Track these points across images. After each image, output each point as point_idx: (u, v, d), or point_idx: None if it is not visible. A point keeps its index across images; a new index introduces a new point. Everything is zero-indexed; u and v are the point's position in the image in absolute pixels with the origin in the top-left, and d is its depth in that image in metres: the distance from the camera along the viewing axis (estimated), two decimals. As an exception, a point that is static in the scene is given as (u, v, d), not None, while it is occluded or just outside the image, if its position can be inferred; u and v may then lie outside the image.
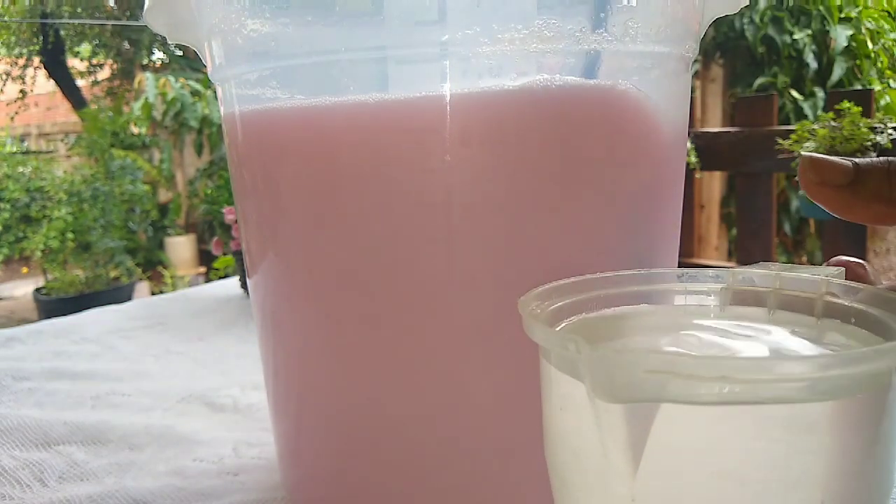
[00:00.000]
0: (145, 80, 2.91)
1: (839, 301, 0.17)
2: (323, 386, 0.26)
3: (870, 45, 2.01)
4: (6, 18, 3.21)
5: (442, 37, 0.21)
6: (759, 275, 0.18)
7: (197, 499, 0.31)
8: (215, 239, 0.77)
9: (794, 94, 2.03)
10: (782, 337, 0.16)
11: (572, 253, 0.23)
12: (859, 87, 1.93)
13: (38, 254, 2.48)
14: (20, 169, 2.76)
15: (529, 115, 0.22)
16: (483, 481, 0.25)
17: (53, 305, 2.34)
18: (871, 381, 0.13)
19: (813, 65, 2.01)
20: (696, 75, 2.19)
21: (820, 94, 2.03)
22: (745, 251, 1.46)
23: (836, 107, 1.24)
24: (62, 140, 3.74)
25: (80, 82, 3.61)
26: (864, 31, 2.01)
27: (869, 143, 1.19)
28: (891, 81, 2.03)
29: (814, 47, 2.02)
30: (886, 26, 2.05)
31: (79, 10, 3.38)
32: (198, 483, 0.33)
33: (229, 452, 0.36)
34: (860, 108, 1.21)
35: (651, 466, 0.13)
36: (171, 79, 2.91)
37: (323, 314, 0.25)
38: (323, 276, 0.24)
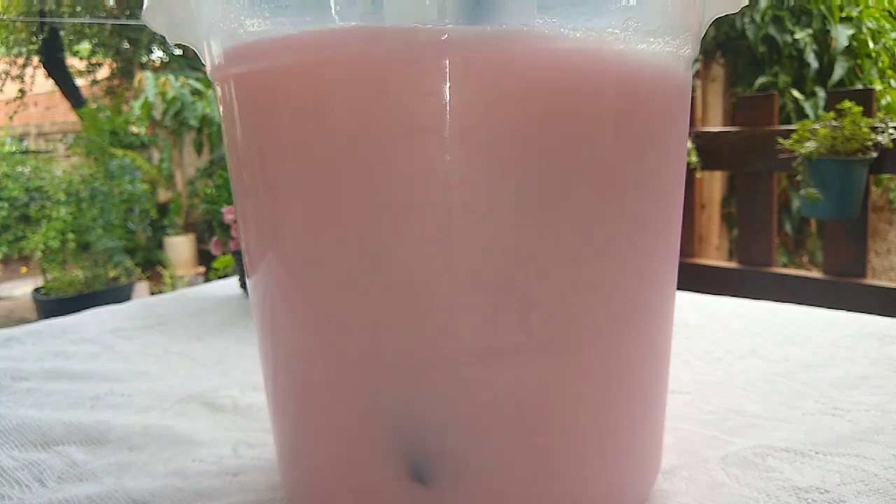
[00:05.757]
0: (145, 78, 2.91)
1: None
2: (323, 386, 0.26)
3: (871, 44, 2.01)
4: (5, 17, 3.21)
5: (442, 36, 0.21)
6: None
7: (196, 499, 0.31)
8: (214, 239, 0.76)
9: (795, 93, 2.03)
10: None
11: (573, 252, 0.23)
12: (860, 87, 1.92)
13: (38, 254, 2.47)
14: (19, 168, 2.76)
15: (530, 115, 0.22)
16: (484, 481, 0.24)
17: (52, 305, 2.33)
18: None
19: (814, 64, 2.01)
20: (696, 75, 2.19)
21: (821, 93, 2.03)
22: (745, 251, 1.46)
23: (837, 106, 1.24)
24: (61, 140, 3.74)
25: (79, 81, 3.61)
26: (865, 30, 2.01)
27: (870, 143, 1.19)
28: (892, 81, 2.03)
29: (815, 47, 2.02)
30: (887, 26, 2.05)
31: (78, 9, 3.38)
32: (197, 483, 0.33)
33: (229, 453, 0.36)
34: (861, 108, 1.21)
35: None
36: (172, 77, 2.91)
37: (323, 314, 0.25)
38: (323, 276, 0.24)
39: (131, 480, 0.33)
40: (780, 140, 1.30)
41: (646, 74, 0.24)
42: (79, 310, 0.67)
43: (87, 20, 3.42)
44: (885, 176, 1.84)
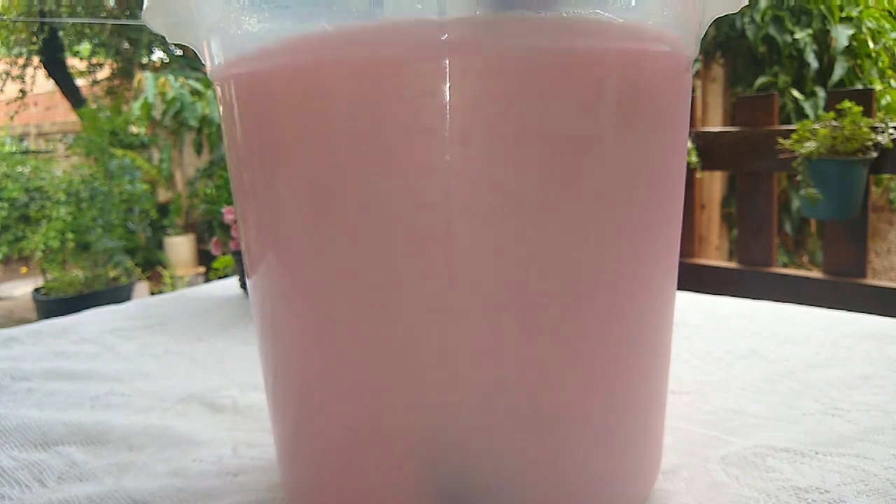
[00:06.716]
0: (144, 79, 2.91)
1: None
2: (322, 386, 0.26)
3: (871, 44, 2.01)
4: (5, 17, 3.21)
5: (441, 36, 0.21)
6: None
7: (196, 499, 0.31)
8: (214, 239, 0.77)
9: (795, 93, 2.03)
10: None
11: (573, 253, 0.23)
12: (860, 87, 1.92)
13: (38, 254, 2.47)
14: (19, 168, 2.76)
15: (529, 115, 0.22)
16: (482, 480, 0.24)
17: (52, 305, 2.33)
18: None
19: (814, 64, 2.01)
20: (696, 75, 2.19)
21: (821, 93, 2.03)
22: (745, 251, 1.46)
23: (837, 106, 1.24)
24: (61, 140, 3.74)
25: (79, 81, 3.61)
26: (864, 30, 2.01)
27: (870, 143, 1.19)
28: (892, 81, 2.03)
29: (815, 47, 2.02)
30: (887, 26, 2.05)
31: (78, 9, 3.38)
32: (197, 483, 0.33)
33: (229, 453, 0.36)
34: (861, 108, 1.21)
35: None
36: (171, 78, 2.91)
37: (322, 314, 0.25)
38: (322, 276, 0.24)
39: (131, 480, 0.33)
40: (780, 140, 1.30)
41: (646, 74, 0.24)
42: (79, 310, 0.67)
43: (87, 20, 3.42)
44: (885, 176, 1.85)
